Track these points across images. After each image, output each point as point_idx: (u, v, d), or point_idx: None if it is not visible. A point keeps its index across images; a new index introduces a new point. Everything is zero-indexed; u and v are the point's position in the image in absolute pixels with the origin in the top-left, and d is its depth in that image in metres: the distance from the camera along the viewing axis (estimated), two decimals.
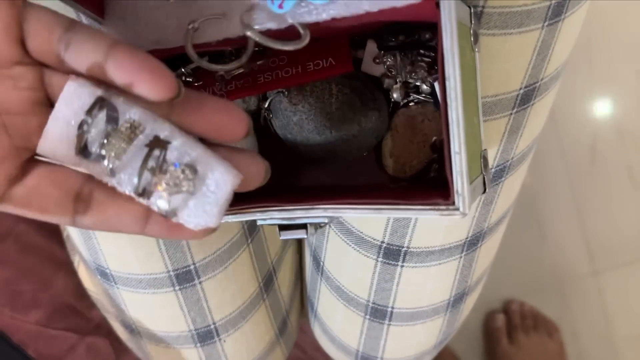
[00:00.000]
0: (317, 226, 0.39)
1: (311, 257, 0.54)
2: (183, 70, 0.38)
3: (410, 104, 0.41)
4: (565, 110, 1.13)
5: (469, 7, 0.35)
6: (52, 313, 0.61)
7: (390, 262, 0.47)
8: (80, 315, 0.61)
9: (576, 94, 1.13)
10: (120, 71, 0.25)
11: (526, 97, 0.42)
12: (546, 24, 0.39)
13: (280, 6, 0.31)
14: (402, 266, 0.47)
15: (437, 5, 0.29)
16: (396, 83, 0.41)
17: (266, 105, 0.43)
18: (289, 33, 0.33)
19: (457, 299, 0.50)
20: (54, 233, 0.63)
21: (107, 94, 0.27)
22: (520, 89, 0.41)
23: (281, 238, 0.38)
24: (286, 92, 0.40)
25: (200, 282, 0.49)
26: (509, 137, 0.43)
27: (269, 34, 0.32)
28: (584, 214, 1.13)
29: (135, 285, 0.48)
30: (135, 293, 0.49)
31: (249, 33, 0.31)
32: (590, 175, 1.14)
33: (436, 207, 0.31)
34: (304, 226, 0.37)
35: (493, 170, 0.43)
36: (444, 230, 0.45)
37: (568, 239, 1.13)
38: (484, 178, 0.37)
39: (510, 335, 1.05)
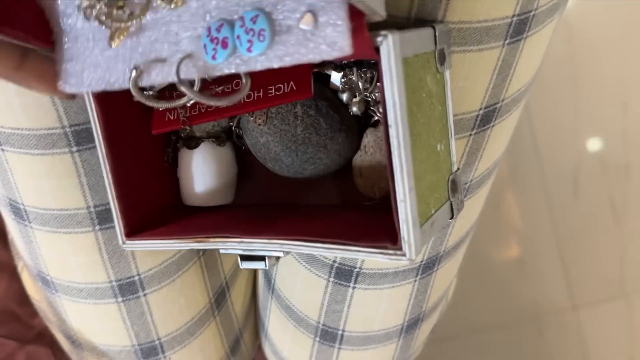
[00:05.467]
0: (277, 258, 0.39)
1: (263, 274, 0.53)
2: (148, 93, 0.38)
3: (379, 123, 0.40)
4: (549, 141, 1.12)
5: (433, 28, 0.34)
6: None
7: (342, 282, 0.45)
8: (22, 323, 0.59)
9: (561, 125, 1.13)
10: None
11: (486, 118, 0.40)
12: (507, 42, 0.37)
13: (214, 57, 0.31)
14: (353, 287, 0.45)
15: (377, 50, 0.29)
16: (355, 97, 0.40)
17: (235, 124, 0.43)
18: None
19: (411, 325, 0.48)
20: None
21: None
22: (480, 109, 0.40)
23: (242, 267, 0.39)
24: (252, 113, 0.40)
25: (145, 295, 0.47)
26: (468, 159, 0.41)
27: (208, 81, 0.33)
28: (565, 248, 1.12)
29: (76, 295, 0.46)
30: (76, 302, 0.47)
31: (182, 88, 0.32)
32: (573, 209, 1.12)
33: (384, 251, 0.32)
34: (263, 258, 0.38)
35: None
36: None
37: (548, 272, 1.12)
38: (451, 204, 0.36)
39: None
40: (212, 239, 0.37)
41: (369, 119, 0.41)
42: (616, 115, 1.12)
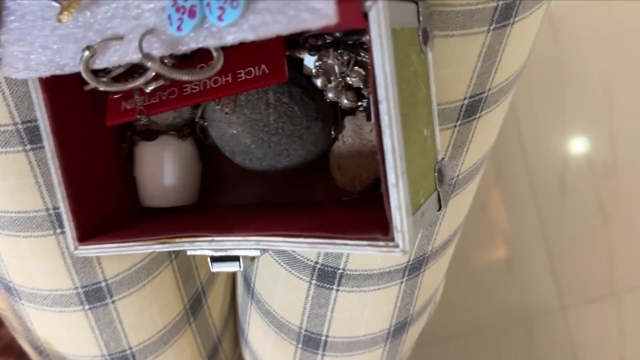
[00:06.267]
0: (252, 258, 0.36)
1: (242, 278, 0.50)
2: (102, 79, 0.34)
3: (358, 110, 0.37)
4: (535, 141, 1.11)
5: (416, 3, 0.31)
6: None
7: (325, 285, 0.42)
8: None
9: (547, 124, 1.11)
10: None
11: (471, 108, 0.38)
12: (492, 27, 0.35)
13: (179, 28, 0.27)
14: (337, 290, 0.42)
15: (366, 16, 0.26)
16: (330, 82, 0.37)
17: (199, 114, 0.39)
18: (202, 52, 0.30)
19: (399, 329, 0.46)
20: None
21: None
22: (465, 98, 0.37)
23: (212, 270, 0.35)
24: (218, 101, 0.36)
25: (113, 302, 0.44)
26: (453, 152, 0.39)
27: (174, 58, 0.30)
28: (553, 248, 1.10)
29: (41, 302, 0.43)
30: (41, 310, 0.44)
31: (149, 64, 0.29)
32: (560, 208, 1.11)
33: (374, 243, 0.28)
34: (237, 258, 0.35)
35: None
36: None
37: (536, 272, 1.10)
38: (438, 195, 0.33)
39: None
40: (178, 240, 0.34)
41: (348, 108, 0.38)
42: (602, 114, 1.11)
